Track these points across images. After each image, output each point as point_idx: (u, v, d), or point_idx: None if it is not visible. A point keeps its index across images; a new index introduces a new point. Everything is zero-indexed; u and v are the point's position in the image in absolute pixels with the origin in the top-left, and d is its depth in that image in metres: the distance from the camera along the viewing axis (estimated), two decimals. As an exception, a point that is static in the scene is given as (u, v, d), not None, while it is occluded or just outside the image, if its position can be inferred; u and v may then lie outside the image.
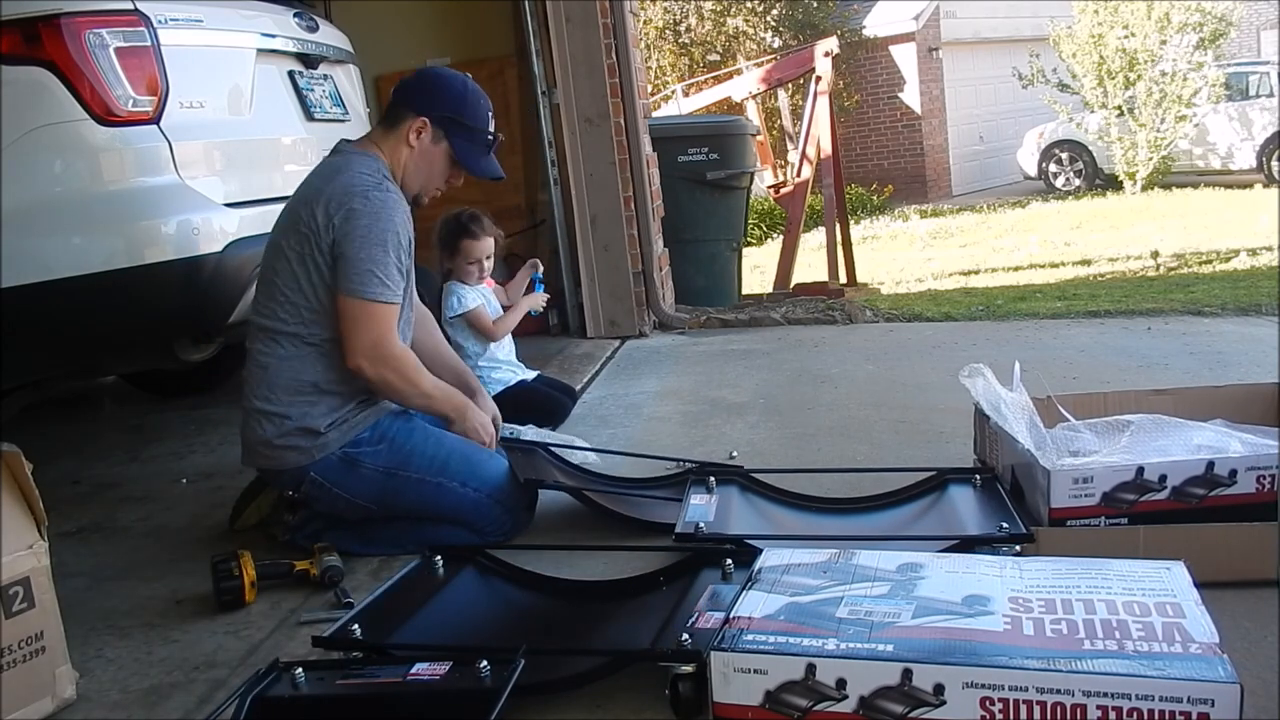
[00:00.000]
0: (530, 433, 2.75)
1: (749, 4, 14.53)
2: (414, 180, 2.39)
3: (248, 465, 2.40)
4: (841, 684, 1.39)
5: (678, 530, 2.08)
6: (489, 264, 3.20)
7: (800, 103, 11.81)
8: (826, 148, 7.63)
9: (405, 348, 2.31)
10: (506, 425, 2.81)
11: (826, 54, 7.55)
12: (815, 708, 1.40)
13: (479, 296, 3.20)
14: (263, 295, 2.31)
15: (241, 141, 2.92)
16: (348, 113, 3.47)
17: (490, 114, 2.43)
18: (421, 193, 2.44)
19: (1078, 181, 14.08)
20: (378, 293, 2.20)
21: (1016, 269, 8.31)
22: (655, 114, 8.52)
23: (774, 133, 13.40)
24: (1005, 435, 2.14)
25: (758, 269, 8.97)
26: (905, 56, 14.86)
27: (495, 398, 2.76)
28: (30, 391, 4.02)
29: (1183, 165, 13.27)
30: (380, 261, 2.20)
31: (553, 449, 2.64)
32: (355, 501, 2.32)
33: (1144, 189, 12.73)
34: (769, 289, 7.42)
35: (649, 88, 7.81)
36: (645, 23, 14.09)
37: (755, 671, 1.42)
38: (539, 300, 3.25)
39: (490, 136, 2.43)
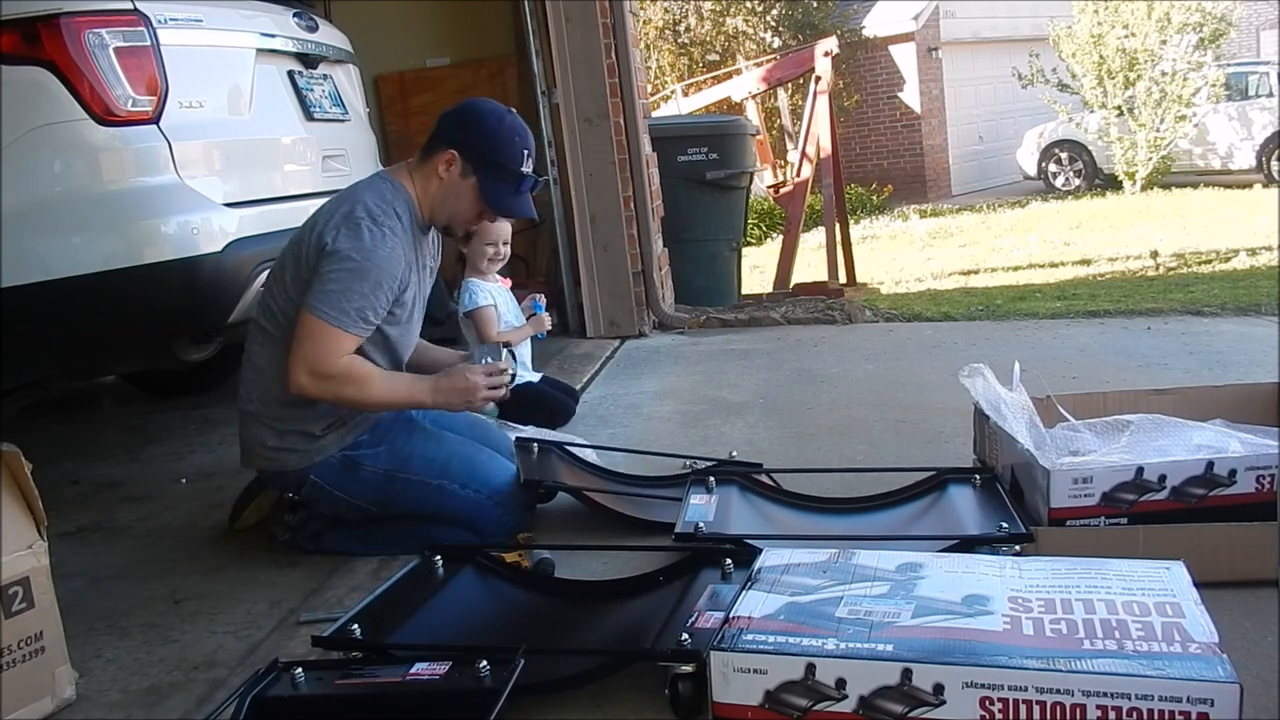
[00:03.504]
0: (531, 433, 2.74)
1: (749, 4, 14.53)
2: (441, 212, 2.34)
3: (247, 467, 2.41)
4: (841, 684, 1.39)
5: (677, 530, 2.08)
6: (505, 250, 3.18)
7: (800, 103, 11.81)
8: (826, 147, 7.62)
9: (349, 359, 2.16)
10: (509, 425, 2.81)
11: (826, 54, 7.55)
12: (815, 707, 1.40)
13: (491, 296, 3.17)
14: (267, 297, 2.31)
15: (241, 141, 2.92)
16: (347, 113, 3.47)
17: (528, 153, 2.31)
18: (451, 224, 2.41)
19: (1077, 181, 14.07)
20: (336, 318, 2.12)
21: (1016, 269, 8.30)
22: (655, 114, 8.52)
23: (774, 132, 13.39)
24: (1005, 435, 2.13)
25: (757, 269, 8.96)
26: (905, 56, 14.85)
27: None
28: (30, 391, 4.02)
29: (1182, 165, 13.27)
30: (354, 293, 2.13)
31: (564, 447, 2.64)
32: (356, 503, 2.32)
33: (1144, 189, 12.73)
34: (769, 289, 7.41)
35: (649, 88, 7.81)
36: (645, 23, 14.08)
37: (755, 671, 1.42)
38: (545, 323, 3.28)
39: (523, 175, 2.31)
